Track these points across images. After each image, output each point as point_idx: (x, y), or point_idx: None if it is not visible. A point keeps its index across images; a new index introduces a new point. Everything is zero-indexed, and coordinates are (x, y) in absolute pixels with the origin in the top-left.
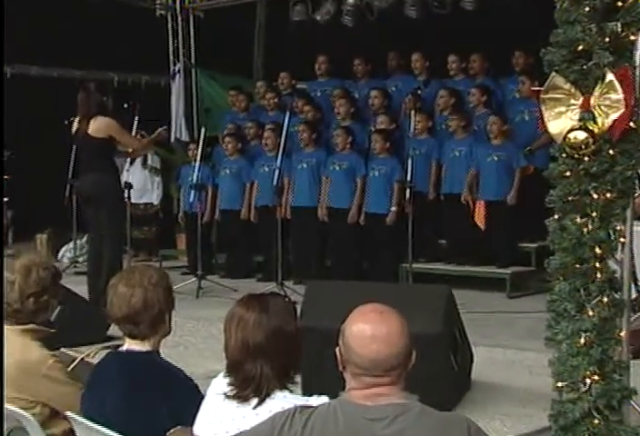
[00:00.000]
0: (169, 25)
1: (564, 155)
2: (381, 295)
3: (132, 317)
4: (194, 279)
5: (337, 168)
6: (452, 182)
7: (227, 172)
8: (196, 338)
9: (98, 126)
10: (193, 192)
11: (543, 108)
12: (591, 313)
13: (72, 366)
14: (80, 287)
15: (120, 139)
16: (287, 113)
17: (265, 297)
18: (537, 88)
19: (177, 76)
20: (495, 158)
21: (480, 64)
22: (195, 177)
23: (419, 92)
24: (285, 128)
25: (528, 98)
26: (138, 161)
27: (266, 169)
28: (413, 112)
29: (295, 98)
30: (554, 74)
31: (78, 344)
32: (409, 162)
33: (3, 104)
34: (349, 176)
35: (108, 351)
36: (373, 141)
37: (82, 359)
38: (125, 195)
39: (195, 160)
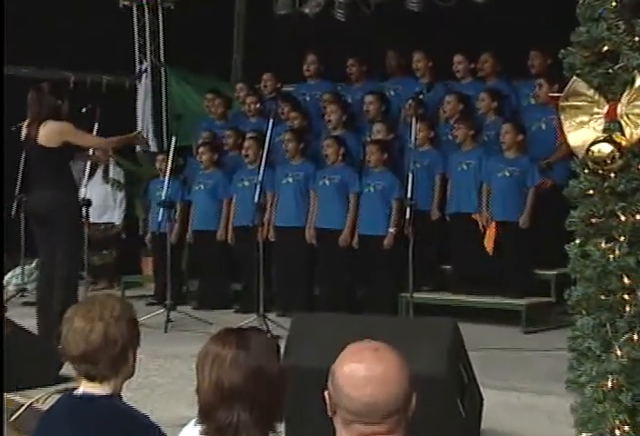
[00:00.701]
0: (134, 17)
1: (586, 171)
2: (377, 330)
3: (90, 355)
4: (162, 310)
5: (328, 183)
6: (458, 199)
7: (202, 187)
8: (164, 379)
9: (49, 134)
10: (161, 210)
11: (562, 117)
12: (619, 353)
13: (16, 415)
14: (28, 320)
15: (79, 142)
16: (271, 121)
17: (244, 332)
18: (555, 94)
19: (144, 76)
20: (508, 173)
21: (491, 66)
22: (164, 193)
23: (421, 96)
24: (268, 137)
25: (546, 104)
26: (98, 174)
27: (246, 184)
28: (414, 119)
29: (279, 103)
30: (575, 78)
31: (26, 387)
32: (409, 176)
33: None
34: (341, 193)
35: (61, 395)
36: (368, 152)
37: (29, 405)
38: (83, 214)
39: (165, 173)
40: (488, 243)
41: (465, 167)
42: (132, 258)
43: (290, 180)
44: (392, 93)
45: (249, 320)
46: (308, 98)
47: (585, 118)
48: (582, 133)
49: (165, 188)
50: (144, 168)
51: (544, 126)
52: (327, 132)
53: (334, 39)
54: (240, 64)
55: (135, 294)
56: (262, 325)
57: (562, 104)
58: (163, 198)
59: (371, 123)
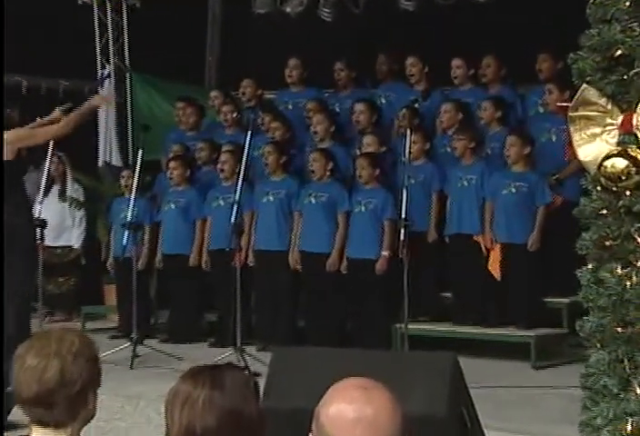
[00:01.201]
0: (95, 16)
1: (599, 188)
2: (368, 365)
3: (44, 397)
4: (127, 344)
5: (314, 201)
6: (459, 219)
7: (172, 206)
8: (128, 422)
9: None
10: (126, 231)
11: (571, 129)
12: (639, 392)
13: None
14: None
15: (37, 141)
16: (249, 132)
17: (219, 369)
18: (564, 104)
19: (107, 82)
20: (514, 190)
21: (494, 70)
22: (129, 213)
23: (416, 105)
24: (246, 150)
25: (556, 113)
26: (54, 191)
27: (222, 203)
28: (408, 130)
29: (259, 112)
30: (585, 85)
31: None
32: (404, 194)
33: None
34: (328, 212)
35: None
36: (358, 167)
37: None
38: (37, 236)
39: (130, 191)
40: (493, 268)
41: (465, 183)
42: (93, 286)
43: (271, 198)
44: (384, 101)
45: (225, 355)
46: (291, 107)
47: (597, 130)
48: (593, 146)
49: (131, 207)
50: (106, 185)
51: (553, 137)
52: (313, 144)
53: (319, 41)
54: (215, 68)
55: (96, 327)
56: (239, 361)
57: (571, 114)
58: (128, 219)
59: (361, 135)
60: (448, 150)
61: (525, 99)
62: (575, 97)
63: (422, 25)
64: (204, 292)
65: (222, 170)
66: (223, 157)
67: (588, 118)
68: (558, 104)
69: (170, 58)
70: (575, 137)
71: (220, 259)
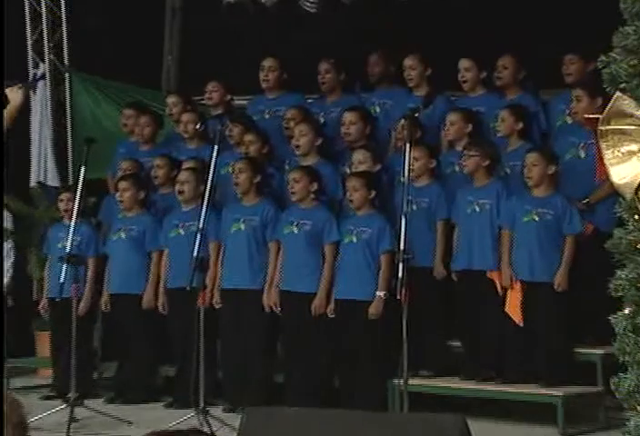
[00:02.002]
0: (27, 4)
1: (636, 217)
2: (359, 430)
3: None
4: (63, 406)
5: (295, 231)
6: (469, 252)
7: (122, 235)
8: None
9: None
10: (65, 266)
11: (602, 145)
12: None
13: None
14: None
15: None
16: (216, 146)
17: None
18: (593, 115)
19: (41, 84)
20: (537, 217)
21: (512, 73)
22: (68, 243)
23: (417, 114)
24: (211, 168)
25: (585, 124)
26: None
27: (182, 231)
28: (408, 145)
29: (228, 122)
30: (618, 93)
31: None
32: (403, 221)
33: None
34: (313, 243)
35: None
36: (349, 189)
37: None
38: None
39: (70, 216)
40: (512, 311)
41: (477, 209)
42: (22, 333)
43: (242, 226)
44: (378, 109)
45: (185, 418)
46: (267, 116)
47: (634, 147)
48: (629, 166)
49: (71, 236)
50: (40, 209)
51: (581, 154)
52: (294, 161)
53: (300, 37)
54: (174, 68)
55: (25, 384)
56: (203, 425)
57: (602, 127)
58: (67, 250)
59: (352, 150)
60: (457, 169)
61: (548, 107)
62: (607, 108)
63: (424, 19)
64: (160, 340)
65: (181, 192)
66: (182, 176)
67: (622, 133)
68: (586, 115)
69: (119, 56)
70: (607, 155)
71: (180, 300)
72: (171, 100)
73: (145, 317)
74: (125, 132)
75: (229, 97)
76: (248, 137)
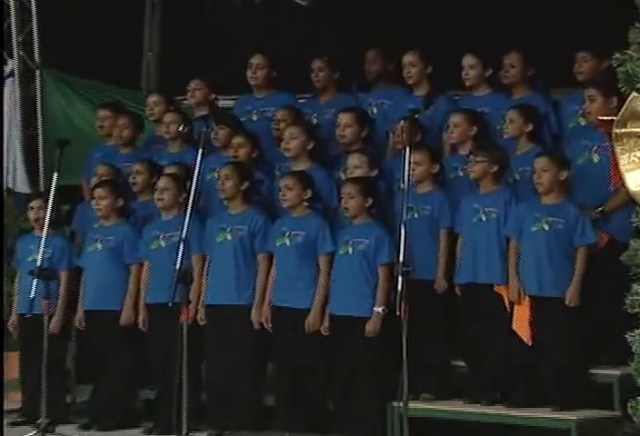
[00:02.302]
0: None
1: None
2: None
3: None
4: (32, 432)
5: (287, 242)
6: (474, 264)
7: (98, 247)
8: None
9: None
10: (35, 280)
11: (617, 149)
12: None
13: None
14: None
15: None
16: (200, 150)
17: None
18: (607, 117)
19: (9, 82)
20: (547, 226)
21: (520, 71)
22: (39, 256)
23: (417, 116)
24: (195, 174)
25: (599, 126)
26: None
27: (163, 243)
28: (408, 148)
29: (212, 124)
30: (634, 94)
31: None
32: (402, 231)
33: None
34: (306, 255)
35: None
36: (344, 196)
37: None
38: None
39: (42, 226)
40: (520, 328)
41: (483, 217)
42: None
43: (228, 236)
44: (375, 110)
45: None
46: (256, 117)
47: None
48: None
49: (42, 248)
50: (8, 219)
51: (594, 158)
52: (284, 166)
53: (291, 32)
54: (155, 66)
55: None
56: None
57: (617, 130)
58: (38, 263)
59: (347, 154)
60: (460, 174)
61: (560, 108)
62: (622, 109)
63: (425, 12)
64: (139, 360)
65: (160, 199)
66: (161, 183)
67: (639, 136)
68: (600, 117)
69: (95, 52)
70: (623, 160)
71: (161, 316)
72: (152, 99)
73: (124, 335)
74: (102, 134)
75: (214, 96)
76: (237, 140)
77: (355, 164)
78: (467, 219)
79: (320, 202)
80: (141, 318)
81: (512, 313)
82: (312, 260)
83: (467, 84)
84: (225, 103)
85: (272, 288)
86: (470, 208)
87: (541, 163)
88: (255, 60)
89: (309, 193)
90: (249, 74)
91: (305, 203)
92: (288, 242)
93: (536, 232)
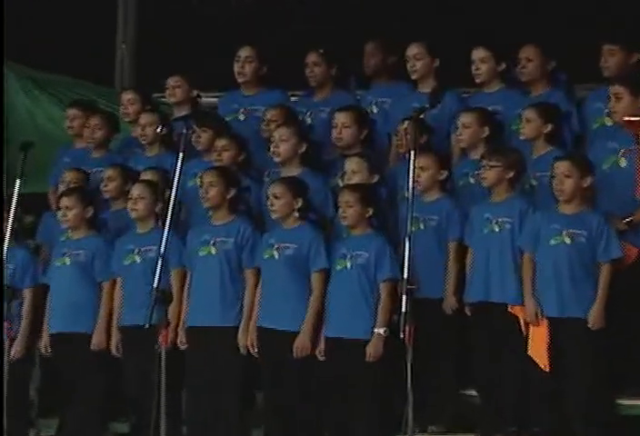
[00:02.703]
0: None
1: None
2: None
3: None
4: None
5: (276, 255)
6: (487, 281)
7: (66, 262)
8: None
9: None
10: None
11: None
12: None
13: None
14: None
15: None
16: (180, 154)
17: None
18: (633, 117)
19: None
20: (568, 239)
21: (538, 65)
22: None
23: (423, 115)
24: (175, 181)
25: (626, 127)
26: None
27: (138, 258)
28: (412, 152)
29: (194, 125)
30: None
31: None
32: (406, 244)
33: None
34: (297, 270)
35: None
36: (341, 205)
37: None
38: None
39: (2, 240)
40: (538, 354)
41: (496, 228)
42: None
43: (212, 250)
44: (376, 109)
45: None
46: (243, 117)
47: None
48: None
49: (3, 264)
50: None
51: (623, 162)
52: (275, 172)
53: (282, 23)
54: (129, 60)
55: None
56: None
57: None
58: None
59: (345, 158)
60: (471, 181)
61: (583, 106)
62: None
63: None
64: (111, 389)
65: (135, 209)
66: (135, 190)
67: None
68: (626, 118)
69: (64, 45)
70: None
71: (136, 340)
72: (126, 97)
73: (95, 361)
74: (71, 135)
75: (196, 94)
76: (220, 142)
77: (354, 169)
78: (478, 230)
79: (313, 211)
80: (113, 342)
81: (528, 336)
82: (303, 276)
83: (478, 79)
84: (208, 101)
85: (259, 307)
86: (481, 218)
87: (562, 167)
88: (244, 52)
89: (300, 202)
90: (236, 68)
91: (296, 214)
92: (277, 255)
93: (557, 246)
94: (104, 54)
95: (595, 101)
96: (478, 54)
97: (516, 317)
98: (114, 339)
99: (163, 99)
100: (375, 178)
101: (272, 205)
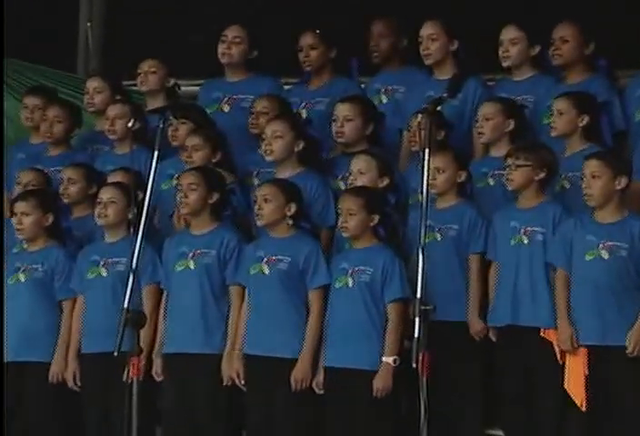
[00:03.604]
0: None
1: None
2: None
3: None
4: None
5: (267, 270)
6: (514, 301)
7: (21, 278)
8: None
9: None
10: None
11: None
12: None
13: None
14: None
15: None
16: (156, 152)
17: None
18: None
19: None
20: (606, 254)
21: (576, 47)
22: None
23: (440, 107)
24: (150, 183)
25: None
26: None
27: (104, 271)
28: (427, 150)
29: (171, 118)
30: None
31: None
32: (420, 257)
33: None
34: (291, 288)
35: None
36: (342, 212)
37: None
38: None
39: None
40: (574, 387)
41: (524, 240)
42: None
43: (191, 264)
44: (385, 99)
45: None
46: (228, 108)
47: None
48: None
49: None
50: None
51: None
52: (265, 172)
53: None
54: (96, 41)
55: None
56: None
57: None
58: None
59: (347, 157)
60: (491, 182)
61: (624, 95)
62: None
63: None
64: (73, 426)
65: (103, 215)
66: (105, 194)
67: None
68: None
69: (19, 24)
70: None
71: (102, 369)
72: (92, 85)
73: (54, 394)
74: (28, 129)
75: (173, 82)
76: (192, 141)
77: (361, 169)
78: (503, 242)
79: (310, 219)
80: (69, 372)
81: (563, 366)
82: (298, 294)
83: (506, 64)
84: (187, 89)
85: (245, 331)
86: (507, 227)
87: (590, 166)
88: (231, 32)
89: (294, 208)
90: (221, 49)
91: (290, 221)
92: (267, 270)
93: (594, 261)
94: (65, 35)
95: (636, 88)
96: (508, 33)
97: (550, 343)
98: (70, 368)
99: (133, 87)
100: (385, 181)
101: (260, 209)
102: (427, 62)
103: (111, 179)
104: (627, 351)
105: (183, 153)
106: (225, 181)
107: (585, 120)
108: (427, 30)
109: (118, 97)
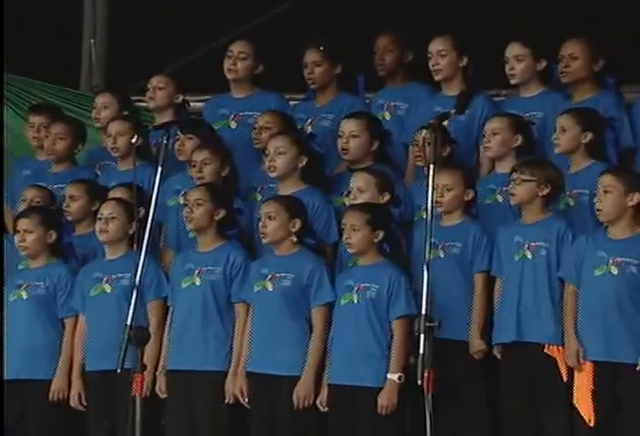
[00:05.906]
0: None
1: None
2: None
3: None
4: None
5: (270, 287)
6: (519, 318)
7: (23, 295)
8: None
9: None
10: None
11: None
12: None
13: None
14: None
15: None
16: (159, 168)
17: None
18: None
19: None
20: (615, 270)
21: (584, 64)
22: None
23: (446, 122)
24: (154, 198)
25: None
26: None
27: (108, 288)
28: (432, 166)
29: (177, 133)
30: None
31: None
32: (425, 274)
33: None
34: (295, 305)
35: None
36: (346, 228)
37: None
38: None
39: None
40: (582, 404)
41: (529, 255)
42: None
43: (197, 281)
44: (389, 115)
45: None
46: (234, 124)
47: None
48: None
49: None
50: None
51: None
52: (269, 188)
53: (280, 12)
54: (101, 57)
55: None
56: None
57: None
58: None
59: (351, 173)
60: (499, 199)
61: (632, 111)
62: None
63: None
64: None
65: (104, 231)
66: (106, 210)
67: None
68: None
69: (23, 39)
70: None
71: (105, 387)
72: (100, 100)
73: (55, 413)
74: (34, 148)
75: (181, 99)
76: (201, 155)
77: (360, 187)
78: (508, 257)
79: (314, 235)
80: (74, 390)
81: (571, 384)
82: (302, 311)
83: (513, 81)
84: (194, 105)
85: (248, 348)
86: (511, 242)
87: (604, 181)
88: (237, 48)
89: (298, 224)
90: (227, 65)
91: (293, 238)
92: (271, 287)
93: (603, 276)
94: (69, 50)
95: None
96: (513, 50)
97: (556, 360)
98: (75, 389)
99: (140, 102)
100: (386, 197)
101: (264, 227)
102: (437, 78)
103: (111, 195)
104: (638, 368)
105: (192, 169)
106: (231, 198)
107: (589, 137)
108: (437, 46)
109: (123, 112)
